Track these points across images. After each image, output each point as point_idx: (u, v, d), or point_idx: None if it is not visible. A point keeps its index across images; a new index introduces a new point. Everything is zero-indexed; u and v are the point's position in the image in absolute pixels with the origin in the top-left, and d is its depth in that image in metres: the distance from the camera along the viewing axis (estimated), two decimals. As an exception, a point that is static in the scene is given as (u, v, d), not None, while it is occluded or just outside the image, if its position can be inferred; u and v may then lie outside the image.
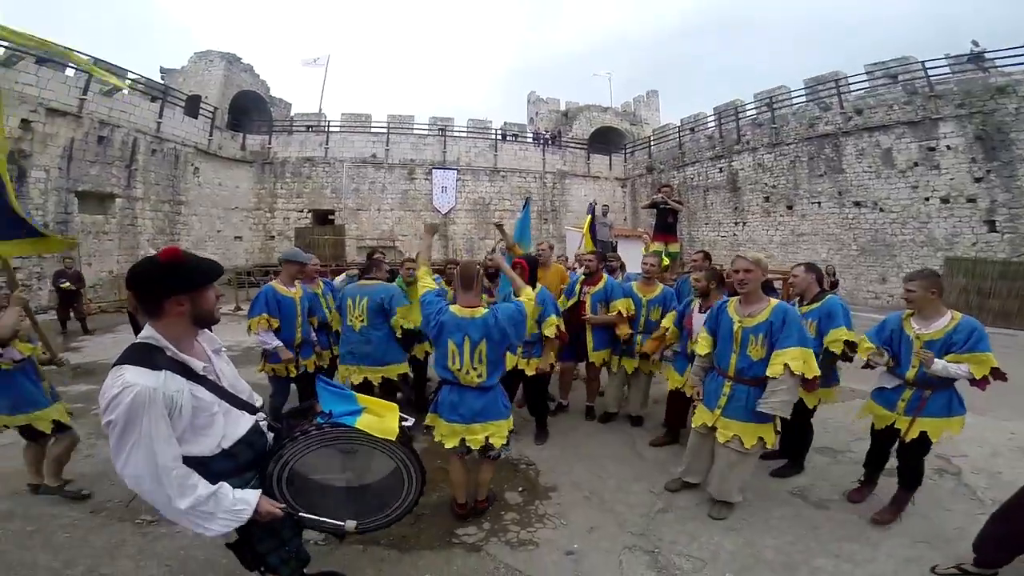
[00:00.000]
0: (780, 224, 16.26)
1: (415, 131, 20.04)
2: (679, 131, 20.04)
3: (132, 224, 14.05)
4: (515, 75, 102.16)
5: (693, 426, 3.16)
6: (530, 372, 3.91)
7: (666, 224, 8.02)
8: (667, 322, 3.95)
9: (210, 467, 1.53)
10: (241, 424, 1.67)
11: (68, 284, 9.03)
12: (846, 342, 3.17)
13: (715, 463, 3.04)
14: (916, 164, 12.66)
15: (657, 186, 9.17)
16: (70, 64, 12.32)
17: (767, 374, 2.73)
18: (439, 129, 20.02)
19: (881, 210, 13.50)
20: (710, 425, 3.00)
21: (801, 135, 15.11)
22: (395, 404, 1.90)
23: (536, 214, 20.20)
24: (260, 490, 1.61)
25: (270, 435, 1.81)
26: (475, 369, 2.67)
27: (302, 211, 19.01)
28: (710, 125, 18.77)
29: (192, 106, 16.63)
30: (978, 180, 11.74)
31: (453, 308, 2.74)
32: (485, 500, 3.04)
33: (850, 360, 3.30)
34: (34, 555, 2.58)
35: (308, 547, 2.22)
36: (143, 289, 1.53)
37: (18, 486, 3.26)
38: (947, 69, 12.43)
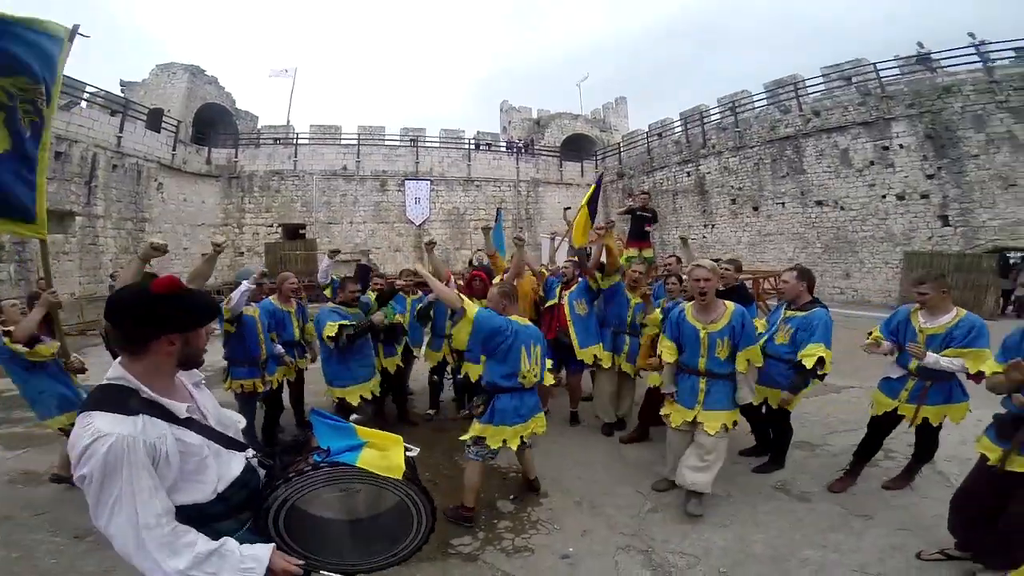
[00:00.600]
0: (747, 225, 16.76)
1: (387, 142, 19.92)
2: (647, 137, 20.49)
3: (93, 243, 13.52)
4: (488, 85, 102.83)
5: (672, 426, 3.23)
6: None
7: (642, 231, 8.18)
8: (654, 320, 3.97)
9: (204, 513, 1.34)
10: (234, 465, 1.46)
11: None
12: (819, 359, 3.19)
13: (688, 456, 3.11)
14: (872, 163, 13.25)
15: (628, 191, 9.34)
16: None
17: (738, 370, 3.04)
18: (411, 140, 19.95)
19: (842, 208, 14.06)
20: (690, 420, 3.14)
21: (763, 138, 15.64)
22: (399, 436, 1.68)
23: (511, 222, 20.28)
24: (272, 544, 1.40)
25: (262, 471, 1.58)
26: (532, 370, 3.04)
27: (271, 226, 18.62)
28: (677, 130, 19.25)
29: (154, 120, 16.16)
30: (930, 177, 12.35)
31: (515, 319, 3.07)
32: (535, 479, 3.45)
33: (820, 378, 3.35)
34: None
35: None
36: (127, 324, 1.31)
37: (4, 513, 3.19)
38: (897, 70, 13.09)
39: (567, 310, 4.24)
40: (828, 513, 3.04)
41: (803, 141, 14.63)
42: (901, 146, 12.70)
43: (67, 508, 3.25)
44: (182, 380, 1.48)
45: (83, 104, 13.31)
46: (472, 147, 20.94)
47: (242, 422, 1.67)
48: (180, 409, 1.34)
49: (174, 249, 16.47)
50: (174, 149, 16.36)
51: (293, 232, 18.85)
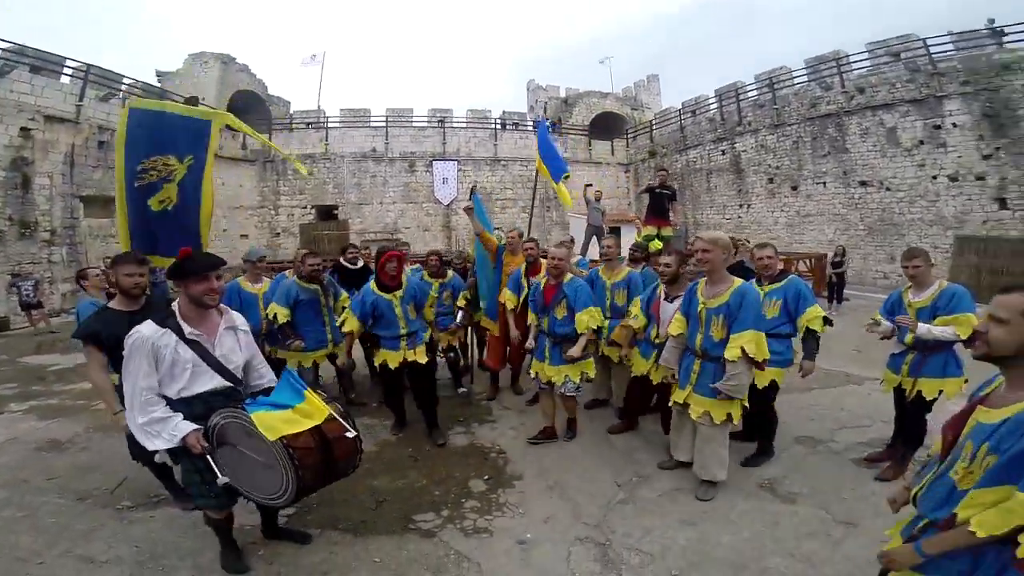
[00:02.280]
0: (785, 205, 16.00)
1: (414, 123, 19.98)
2: (680, 114, 19.73)
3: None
4: (515, 64, 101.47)
5: (671, 403, 3.24)
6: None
7: (661, 209, 7.96)
8: (634, 308, 3.89)
9: (172, 407, 2.08)
10: (204, 383, 2.13)
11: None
12: (824, 318, 3.36)
13: (696, 443, 3.13)
14: (922, 142, 12.33)
15: (659, 169, 9.03)
16: (64, 72, 12.54)
17: (725, 356, 2.83)
18: (438, 120, 19.93)
19: (888, 189, 13.20)
20: (681, 402, 3.09)
21: (803, 115, 14.79)
22: (329, 414, 2.15)
23: (539, 202, 20.09)
24: (196, 426, 2.05)
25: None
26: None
27: (305, 207, 19.12)
28: (712, 107, 18.45)
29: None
30: (987, 157, 11.39)
31: None
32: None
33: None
34: (18, 538, 2.73)
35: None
36: (170, 276, 2.20)
37: (23, 477, 3.49)
38: (951, 47, 12.06)
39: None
40: (809, 517, 2.84)
41: (846, 119, 13.74)
42: (955, 125, 11.74)
43: (79, 474, 3.54)
44: (217, 320, 2.22)
45: (121, 95, 13.90)
46: (498, 127, 20.73)
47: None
48: (188, 330, 2.10)
49: (213, 230, 17.09)
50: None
51: (326, 213, 19.31)
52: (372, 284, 3.85)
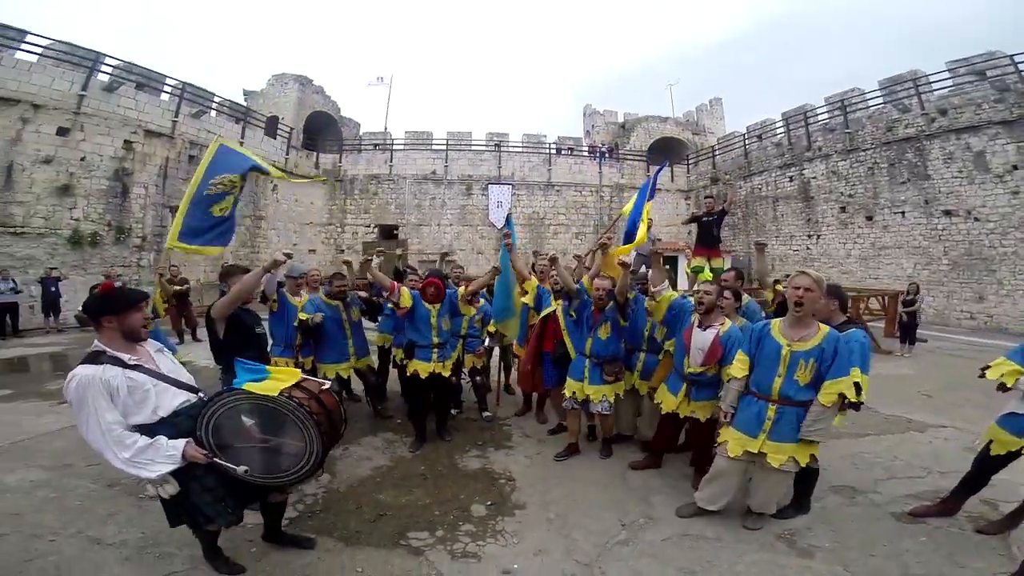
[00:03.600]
0: (859, 236, 14.94)
1: (472, 147, 20.62)
2: (745, 139, 19.07)
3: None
4: (572, 88, 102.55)
5: (730, 454, 2.96)
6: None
7: (709, 237, 7.65)
8: (670, 347, 3.79)
9: (155, 432, 2.05)
10: (176, 398, 2.18)
11: (181, 287, 9.91)
12: (855, 384, 2.84)
13: (755, 484, 3.04)
14: (1015, 167, 11.19)
15: (723, 197, 8.68)
16: (164, 90, 14.05)
17: (820, 401, 2.71)
18: (495, 145, 20.45)
19: (976, 219, 12.04)
20: (755, 452, 2.88)
21: (879, 139, 13.85)
22: (298, 373, 2.41)
23: (592, 228, 20.01)
24: (187, 439, 2.09)
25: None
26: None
27: (369, 226, 20.10)
28: (779, 132, 17.69)
29: (271, 127, 18.24)
30: (1096, 184, 10.15)
31: None
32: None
33: (856, 407, 2.88)
34: (42, 516, 3.02)
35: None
36: (89, 314, 2.16)
37: (68, 462, 3.85)
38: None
39: (562, 320, 4.11)
40: (823, 575, 2.60)
41: (927, 143, 12.72)
42: (1055, 147, 10.57)
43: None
44: (145, 347, 2.22)
45: (212, 113, 15.35)
46: (553, 151, 20.94)
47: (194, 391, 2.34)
48: (127, 359, 2.08)
49: (284, 246, 18.44)
50: (287, 154, 18.34)
51: (388, 232, 20.17)
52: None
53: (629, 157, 21.97)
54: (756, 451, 2.87)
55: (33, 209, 11.04)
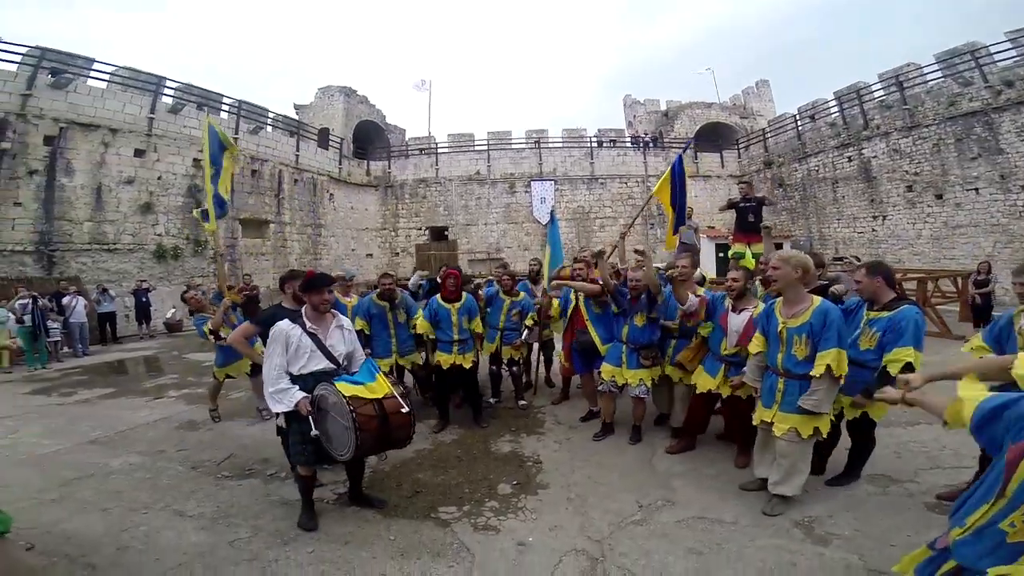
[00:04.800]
0: (929, 216, 13.99)
1: (513, 146, 20.90)
2: (797, 120, 18.19)
3: (283, 246, 16.73)
4: (611, 80, 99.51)
5: (755, 422, 3.23)
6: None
7: (747, 223, 7.52)
8: (704, 331, 3.95)
9: (294, 382, 2.88)
10: (317, 364, 2.95)
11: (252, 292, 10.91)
12: (907, 364, 2.85)
13: (776, 457, 3.11)
14: (1104, 135, 10.07)
15: (779, 181, 8.50)
16: (223, 108, 15.21)
17: (811, 374, 2.84)
18: (535, 142, 20.62)
19: (1062, 193, 10.96)
20: (768, 421, 3.07)
21: (942, 115, 12.95)
22: (391, 393, 2.91)
23: (642, 219, 19.73)
24: (304, 393, 2.83)
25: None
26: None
27: (420, 229, 20.89)
28: (832, 111, 16.76)
29: (323, 138, 19.32)
30: None
31: None
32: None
33: (891, 381, 2.86)
34: (138, 493, 3.55)
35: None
36: (301, 288, 3.13)
37: (160, 448, 4.45)
38: None
39: (584, 312, 4.29)
40: (834, 562, 2.55)
41: (996, 116, 11.80)
42: None
43: (201, 448, 4.45)
44: (330, 320, 3.07)
45: (268, 128, 16.45)
46: (594, 144, 20.83)
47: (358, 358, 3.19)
48: (309, 326, 2.96)
49: (344, 251, 19.46)
50: (340, 163, 19.37)
51: (438, 234, 20.89)
52: (438, 296, 4.65)
53: (675, 145, 21.48)
54: (770, 420, 3.05)
55: (122, 227, 12.38)
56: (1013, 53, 11.83)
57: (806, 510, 3.12)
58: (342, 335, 3.09)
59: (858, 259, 7.10)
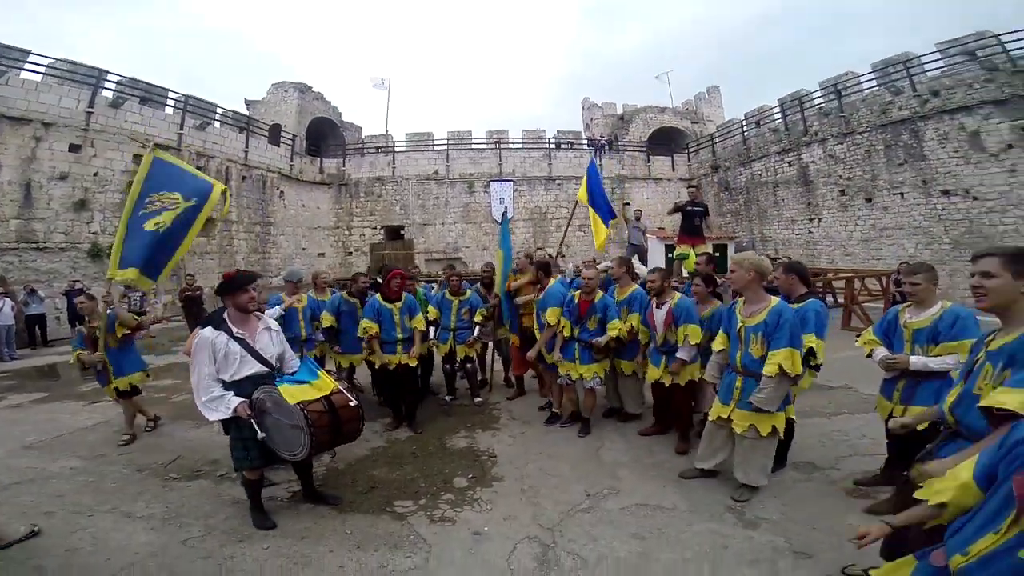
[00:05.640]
0: (859, 219, 15.01)
1: (473, 146, 20.94)
2: (743, 126, 19.12)
3: (230, 244, 16.11)
4: (570, 82, 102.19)
5: (709, 418, 3.39)
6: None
7: (693, 227, 7.94)
8: (633, 321, 4.31)
9: (227, 389, 2.79)
10: (249, 368, 2.86)
11: (194, 293, 10.81)
12: (809, 349, 3.15)
13: (737, 451, 3.28)
14: (1010, 146, 11.20)
15: (724, 185, 9.02)
16: (168, 103, 14.52)
17: (763, 372, 2.97)
18: (495, 142, 20.75)
19: (975, 198, 12.07)
20: (725, 417, 3.22)
21: (874, 122, 13.92)
22: (337, 388, 2.98)
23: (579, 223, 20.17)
24: (243, 400, 2.76)
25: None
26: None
27: (375, 228, 20.56)
28: (776, 117, 17.73)
29: (274, 135, 18.71)
30: (1091, 159, 10.15)
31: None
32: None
33: (815, 369, 3.31)
34: (81, 496, 3.44)
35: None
36: (219, 292, 2.99)
37: (101, 452, 4.30)
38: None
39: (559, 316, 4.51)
40: (762, 545, 2.73)
41: (921, 124, 12.76)
42: (1050, 124, 10.56)
43: (146, 451, 4.33)
44: (255, 323, 2.99)
45: (216, 123, 15.82)
46: (553, 146, 21.18)
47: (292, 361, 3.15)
48: (235, 331, 2.85)
49: (294, 250, 18.96)
50: (292, 160, 18.82)
51: (394, 233, 20.61)
52: (378, 296, 4.65)
53: (629, 148, 22.12)
54: (727, 417, 3.20)
55: (53, 225, 11.62)
56: (941, 64, 12.76)
57: (740, 496, 3.29)
58: (270, 337, 3.02)
59: (789, 258, 7.63)
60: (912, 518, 1.48)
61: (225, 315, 2.89)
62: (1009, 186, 11.36)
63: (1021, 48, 11.17)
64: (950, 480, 1.41)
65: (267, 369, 2.92)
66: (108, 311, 4.44)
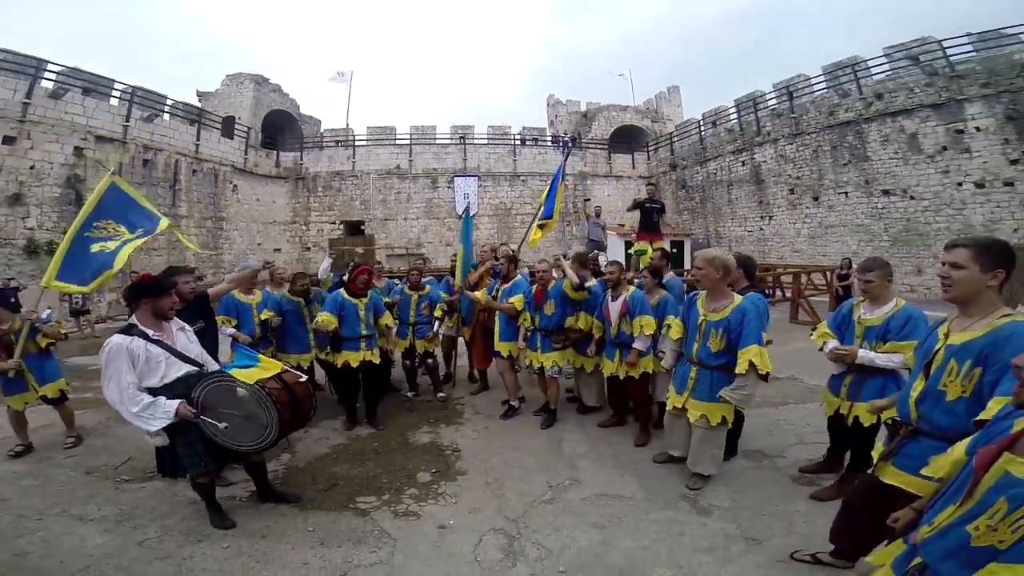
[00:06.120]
0: (807, 217, 15.73)
1: (437, 141, 20.73)
2: (700, 126, 19.69)
3: (179, 240, 15.38)
4: (538, 76, 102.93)
5: (667, 408, 3.50)
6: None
7: (651, 223, 8.16)
8: (597, 332, 4.42)
9: (157, 395, 2.59)
10: (178, 370, 2.72)
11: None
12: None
13: (691, 440, 3.36)
14: (945, 148, 12.00)
15: (681, 183, 9.27)
16: (113, 94, 13.75)
17: (736, 371, 3.00)
18: (460, 137, 20.62)
19: (912, 198, 12.85)
20: (680, 407, 3.32)
21: (822, 123, 14.60)
22: (280, 366, 2.96)
23: (560, 216, 20.37)
24: (180, 400, 2.60)
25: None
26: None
27: (334, 223, 20.07)
28: (731, 118, 18.34)
29: (227, 127, 17.96)
30: (1014, 162, 11.03)
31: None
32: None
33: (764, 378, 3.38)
34: (28, 500, 3.29)
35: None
36: (129, 296, 2.76)
37: (47, 455, 4.11)
38: (969, 48, 11.76)
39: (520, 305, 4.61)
40: (715, 531, 2.85)
41: (865, 126, 13.49)
42: (978, 129, 11.40)
43: (93, 453, 4.15)
44: (169, 325, 2.81)
45: (165, 116, 15.09)
46: (518, 142, 21.24)
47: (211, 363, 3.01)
48: (151, 334, 2.67)
49: (248, 245, 18.31)
50: (246, 153, 18.14)
51: (354, 228, 20.19)
52: (343, 291, 4.51)
53: (591, 145, 22.41)
54: (681, 406, 3.31)
55: (-16, 219, 10.84)
56: (886, 67, 13.47)
57: (693, 485, 3.40)
58: (186, 336, 2.91)
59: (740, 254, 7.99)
60: (926, 500, 1.53)
61: (134, 319, 2.69)
62: (943, 186, 12.17)
63: (960, 54, 11.94)
64: (947, 456, 1.47)
65: (196, 368, 2.80)
66: (32, 321, 4.11)
